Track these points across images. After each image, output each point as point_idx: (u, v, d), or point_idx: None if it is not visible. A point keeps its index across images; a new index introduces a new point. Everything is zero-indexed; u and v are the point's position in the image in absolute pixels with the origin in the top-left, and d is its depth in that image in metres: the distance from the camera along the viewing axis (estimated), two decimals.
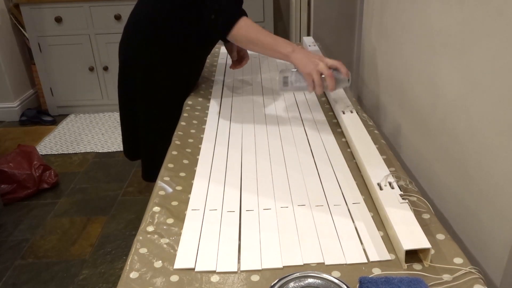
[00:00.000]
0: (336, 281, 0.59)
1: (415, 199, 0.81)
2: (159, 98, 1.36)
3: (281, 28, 3.25)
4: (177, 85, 1.37)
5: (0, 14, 3.09)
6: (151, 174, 1.46)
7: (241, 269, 0.68)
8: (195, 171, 0.94)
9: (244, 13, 1.14)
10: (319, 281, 0.59)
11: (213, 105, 1.28)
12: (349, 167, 0.94)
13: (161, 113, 1.38)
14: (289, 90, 1.13)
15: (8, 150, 2.70)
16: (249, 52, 1.44)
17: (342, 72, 1.06)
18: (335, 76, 1.05)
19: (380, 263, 0.68)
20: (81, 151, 2.76)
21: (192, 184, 0.90)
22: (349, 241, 0.72)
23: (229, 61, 1.67)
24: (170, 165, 0.96)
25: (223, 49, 1.84)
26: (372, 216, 0.78)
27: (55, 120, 3.22)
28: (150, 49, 1.31)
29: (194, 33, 1.30)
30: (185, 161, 0.98)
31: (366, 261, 0.68)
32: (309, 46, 1.68)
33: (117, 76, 1.42)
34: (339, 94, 1.23)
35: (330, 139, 1.06)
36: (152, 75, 1.33)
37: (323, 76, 1.05)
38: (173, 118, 1.28)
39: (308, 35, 2.10)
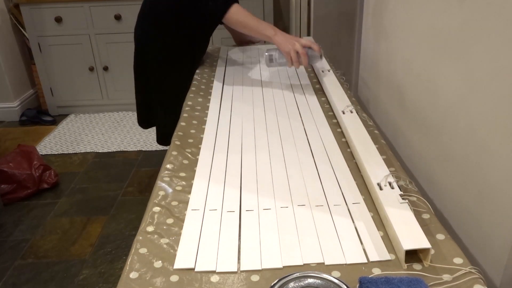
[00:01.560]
0: (336, 281, 0.59)
1: (415, 199, 0.81)
2: (172, 65, 1.65)
3: (281, 28, 3.25)
4: (185, 57, 1.65)
5: (0, 14, 3.09)
6: (165, 138, 1.79)
7: (241, 269, 0.68)
8: (195, 171, 0.94)
9: (236, 0, 1.41)
10: (319, 281, 0.59)
11: (213, 105, 1.28)
12: (349, 167, 0.94)
13: (172, 77, 1.66)
14: (274, 65, 1.43)
15: (8, 150, 2.70)
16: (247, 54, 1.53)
17: (315, 49, 1.33)
18: (309, 54, 1.32)
19: (380, 263, 0.68)
20: (81, 151, 2.76)
21: (192, 184, 0.90)
22: (349, 241, 0.72)
23: (229, 62, 1.68)
24: (170, 165, 0.96)
25: (222, 49, 1.84)
26: (372, 216, 0.78)
27: (55, 120, 3.22)
28: (161, 29, 1.60)
29: (196, 15, 1.58)
30: (185, 161, 0.98)
31: (366, 261, 0.68)
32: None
33: (133, 58, 1.72)
34: (338, 93, 1.23)
35: (330, 139, 1.06)
36: (165, 50, 1.61)
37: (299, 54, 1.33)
38: (182, 85, 1.56)
39: (308, 35, 2.10)
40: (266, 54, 1.41)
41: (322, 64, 1.49)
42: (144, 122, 1.87)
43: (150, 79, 1.69)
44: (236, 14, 1.39)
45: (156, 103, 1.74)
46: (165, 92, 1.69)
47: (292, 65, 1.34)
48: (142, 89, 1.75)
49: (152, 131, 2.99)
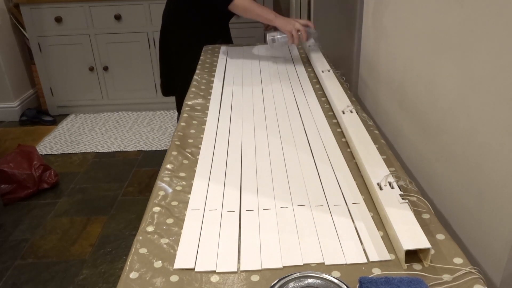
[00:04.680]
0: (336, 281, 0.59)
1: (415, 199, 0.81)
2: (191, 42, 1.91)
3: None
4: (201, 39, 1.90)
5: (0, 14, 3.09)
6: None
7: (241, 269, 0.68)
8: (195, 171, 0.94)
9: None
10: (319, 281, 0.59)
11: (213, 105, 1.28)
12: (349, 167, 0.94)
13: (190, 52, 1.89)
14: (276, 45, 1.61)
15: (8, 150, 2.70)
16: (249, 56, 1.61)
17: (311, 27, 1.55)
18: (307, 31, 1.53)
19: (380, 263, 0.68)
20: (81, 151, 2.76)
21: (192, 184, 0.90)
22: (349, 241, 0.72)
23: (229, 62, 1.68)
24: (170, 165, 0.96)
25: (222, 49, 1.84)
26: (372, 216, 0.78)
27: (55, 120, 3.22)
28: (182, 14, 1.88)
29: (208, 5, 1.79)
30: (185, 161, 0.98)
31: (366, 261, 0.68)
32: (309, 46, 1.68)
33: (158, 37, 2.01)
34: (338, 93, 1.23)
35: (330, 139, 1.06)
36: (186, 32, 1.88)
37: (299, 33, 1.51)
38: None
39: None
40: (269, 37, 1.59)
41: (322, 64, 1.49)
42: (165, 89, 2.13)
43: (172, 50, 1.97)
44: (240, 3, 1.60)
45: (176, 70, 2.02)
46: (182, 59, 1.96)
47: (293, 43, 1.54)
48: (166, 60, 2.05)
49: (151, 131, 2.99)
